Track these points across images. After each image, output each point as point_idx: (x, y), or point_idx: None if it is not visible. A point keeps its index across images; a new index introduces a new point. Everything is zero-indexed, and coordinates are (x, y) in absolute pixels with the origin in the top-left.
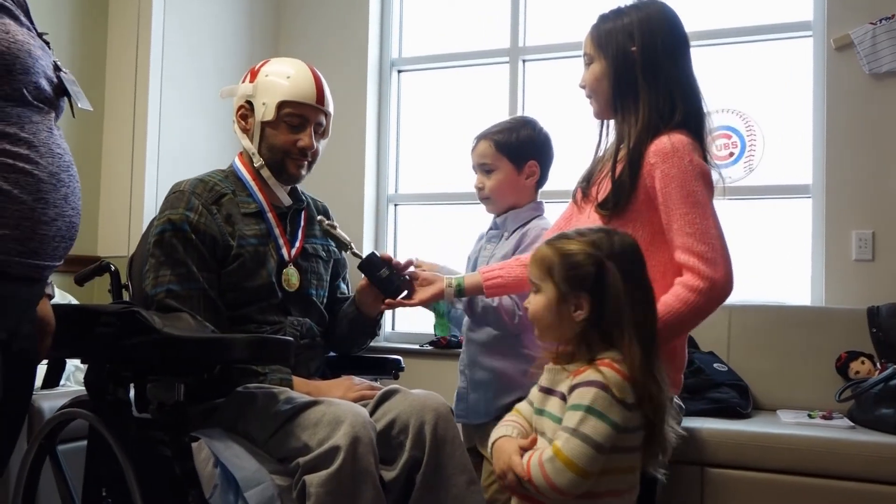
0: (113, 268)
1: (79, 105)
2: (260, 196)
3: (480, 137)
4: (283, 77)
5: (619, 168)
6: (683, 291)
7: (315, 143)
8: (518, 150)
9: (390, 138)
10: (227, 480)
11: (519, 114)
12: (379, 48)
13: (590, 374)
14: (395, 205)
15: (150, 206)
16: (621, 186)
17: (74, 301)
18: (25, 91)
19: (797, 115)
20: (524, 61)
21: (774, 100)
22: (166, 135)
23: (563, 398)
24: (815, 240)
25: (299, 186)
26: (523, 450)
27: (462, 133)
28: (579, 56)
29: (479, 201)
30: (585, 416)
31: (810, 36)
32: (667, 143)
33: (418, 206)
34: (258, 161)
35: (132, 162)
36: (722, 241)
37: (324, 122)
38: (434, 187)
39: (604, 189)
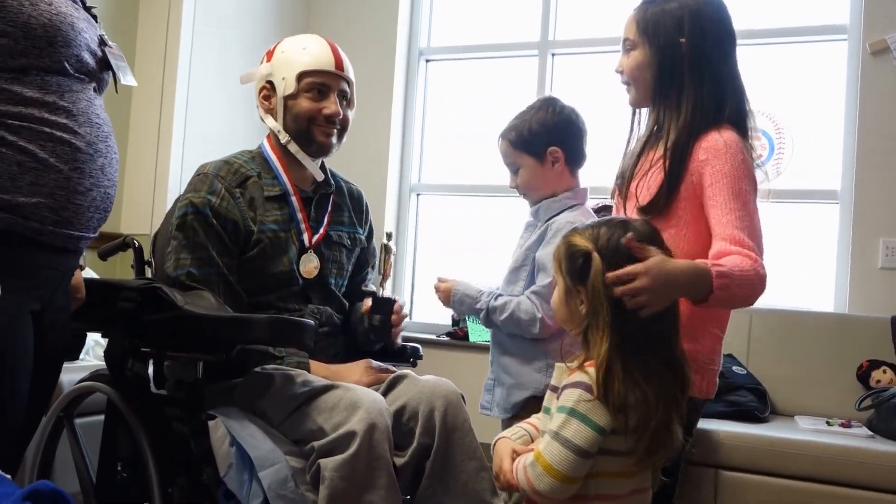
0: (137, 244)
1: (122, 81)
2: (285, 178)
3: (499, 137)
4: (300, 50)
5: (661, 167)
6: (742, 259)
7: (342, 111)
8: (533, 141)
9: (415, 127)
10: (242, 460)
11: None
12: (408, 37)
13: (577, 374)
14: (418, 194)
15: (175, 184)
16: (665, 187)
17: (95, 276)
18: (67, 64)
19: (828, 119)
20: (553, 55)
21: (806, 103)
22: (193, 114)
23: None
24: (842, 246)
25: (333, 168)
26: (517, 453)
27: (488, 125)
28: (609, 52)
29: (498, 194)
30: (568, 420)
31: (845, 39)
32: (719, 140)
33: (441, 197)
34: (284, 137)
35: (158, 140)
36: (763, 246)
37: (347, 89)
38: (457, 178)
39: (645, 187)
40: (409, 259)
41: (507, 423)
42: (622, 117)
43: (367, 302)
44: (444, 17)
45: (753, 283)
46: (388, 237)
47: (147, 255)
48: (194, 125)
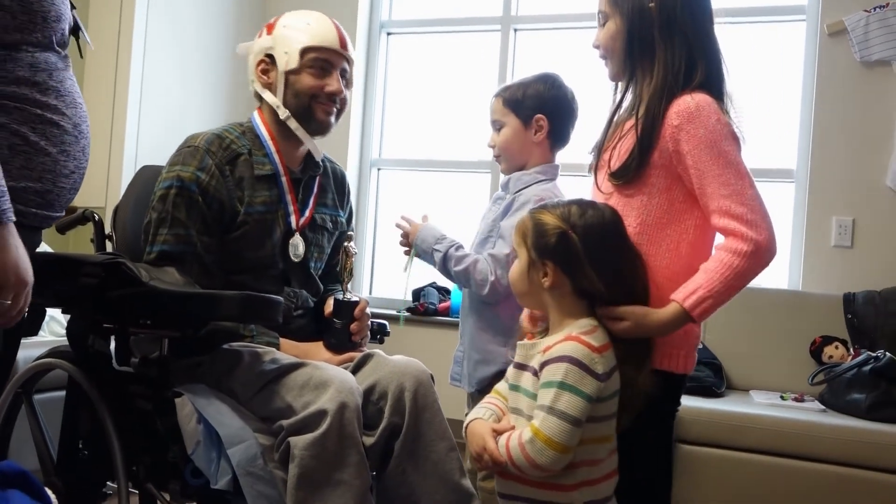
0: (97, 217)
1: (91, 47)
2: (276, 157)
3: (494, 95)
4: (303, 25)
5: (633, 133)
6: (727, 256)
7: (343, 90)
8: (523, 104)
9: (376, 101)
10: (210, 437)
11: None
12: (369, 9)
13: (558, 349)
14: (379, 169)
15: (130, 157)
16: (636, 152)
17: (49, 249)
18: (54, 38)
19: (785, 98)
20: (516, 30)
21: (763, 82)
22: (148, 86)
23: (535, 374)
24: (796, 224)
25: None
26: (497, 432)
27: (449, 100)
28: (572, 28)
29: (462, 170)
30: (559, 393)
31: (804, 20)
32: (690, 103)
33: (401, 172)
34: (284, 113)
35: (113, 113)
36: (761, 202)
37: (348, 69)
38: (418, 153)
39: (617, 156)
40: (370, 234)
41: (475, 397)
42: (585, 94)
43: (330, 304)
44: None
45: (742, 271)
46: (349, 239)
47: (108, 229)
48: (150, 97)
